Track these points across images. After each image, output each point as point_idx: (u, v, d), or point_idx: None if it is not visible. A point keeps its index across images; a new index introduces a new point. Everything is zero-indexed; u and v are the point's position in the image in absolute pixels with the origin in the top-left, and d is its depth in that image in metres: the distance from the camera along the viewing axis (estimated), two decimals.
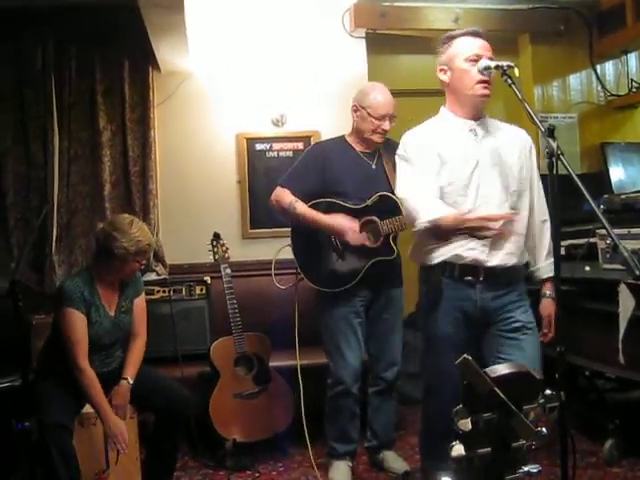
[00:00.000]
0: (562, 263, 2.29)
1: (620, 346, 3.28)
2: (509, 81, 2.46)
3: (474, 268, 2.66)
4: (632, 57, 5.70)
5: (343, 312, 3.57)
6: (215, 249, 4.06)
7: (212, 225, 4.30)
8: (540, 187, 2.80)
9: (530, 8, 5.34)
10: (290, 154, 5.05)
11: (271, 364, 4.06)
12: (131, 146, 4.79)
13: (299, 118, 5.08)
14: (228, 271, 4.01)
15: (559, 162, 2.18)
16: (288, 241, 3.72)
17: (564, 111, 5.58)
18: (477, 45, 2.68)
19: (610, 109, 5.70)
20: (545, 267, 2.80)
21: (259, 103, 5.03)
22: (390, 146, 3.71)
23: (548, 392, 1.45)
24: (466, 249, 2.64)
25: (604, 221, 2.11)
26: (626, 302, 3.25)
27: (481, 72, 2.61)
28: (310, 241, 3.57)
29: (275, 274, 3.81)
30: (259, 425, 3.95)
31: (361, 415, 3.71)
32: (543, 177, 2.43)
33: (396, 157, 2.82)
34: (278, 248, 3.81)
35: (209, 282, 4.56)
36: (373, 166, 3.64)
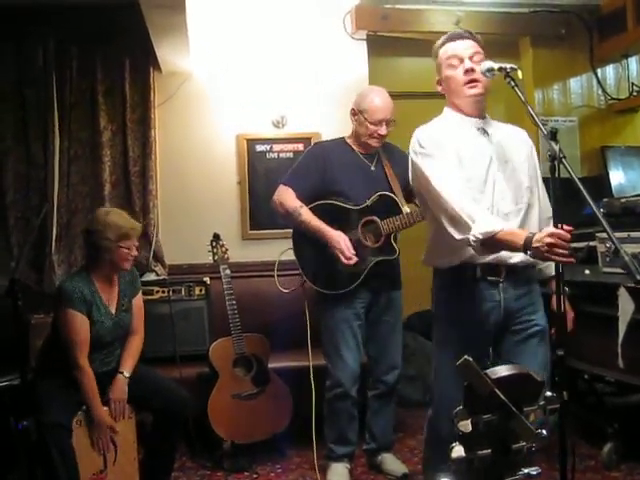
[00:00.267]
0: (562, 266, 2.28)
1: (619, 350, 3.28)
2: (512, 83, 2.44)
3: (496, 267, 2.59)
4: (633, 61, 5.71)
5: (344, 314, 3.56)
6: (215, 250, 4.06)
7: (212, 226, 4.30)
8: (543, 185, 2.78)
9: (531, 11, 5.35)
10: (290, 155, 5.05)
11: (270, 365, 4.05)
12: (131, 146, 4.79)
13: (299, 119, 5.09)
14: (227, 272, 4.00)
15: (561, 165, 2.18)
16: (287, 242, 3.71)
17: (564, 114, 5.58)
18: (454, 48, 2.67)
19: (610, 113, 5.70)
20: (552, 264, 2.76)
21: (260, 104, 5.03)
22: (389, 149, 3.73)
23: (548, 394, 1.45)
24: None
25: (605, 224, 2.10)
26: (626, 306, 3.25)
27: (467, 72, 2.61)
28: (312, 243, 3.55)
29: (277, 276, 3.81)
30: (257, 426, 3.95)
31: (360, 418, 3.71)
32: (545, 180, 2.41)
33: (411, 154, 2.67)
34: (277, 249, 3.82)
35: (208, 283, 4.55)
36: (372, 168, 3.65)
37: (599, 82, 5.66)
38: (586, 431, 3.88)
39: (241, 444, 3.93)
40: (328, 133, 4.68)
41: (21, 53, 4.64)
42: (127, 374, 3.30)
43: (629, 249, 3.33)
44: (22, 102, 4.67)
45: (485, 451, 1.37)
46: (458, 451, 1.35)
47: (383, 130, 3.56)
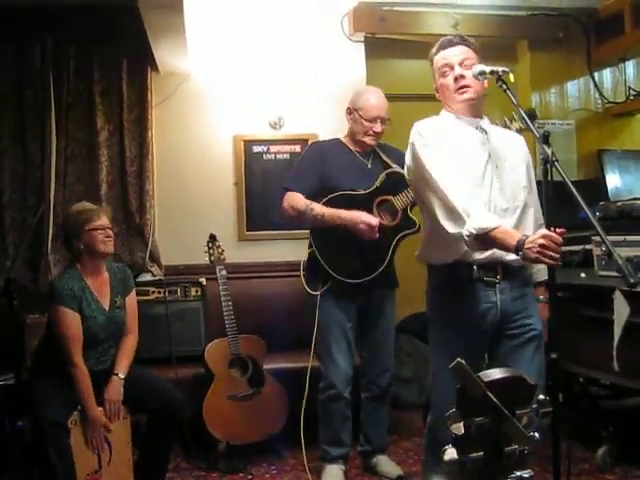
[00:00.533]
0: (558, 270, 2.28)
1: (614, 353, 3.28)
2: (504, 86, 2.46)
3: (492, 266, 2.59)
4: (630, 65, 5.72)
5: (336, 316, 3.56)
6: (211, 250, 4.06)
7: (208, 226, 4.30)
8: (536, 192, 2.79)
9: (529, 15, 5.36)
10: (287, 157, 5.05)
11: (265, 367, 4.05)
12: (128, 146, 4.79)
13: (297, 121, 5.09)
14: (224, 273, 4.00)
15: (554, 168, 2.18)
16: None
17: (561, 118, 5.59)
18: (445, 56, 2.70)
19: (607, 116, 5.71)
20: (543, 269, 2.75)
21: (257, 105, 5.03)
22: (386, 148, 3.74)
23: (541, 397, 1.45)
24: None
25: (599, 228, 2.11)
26: (621, 309, 3.25)
27: (457, 79, 2.63)
28: (331, 237, 3.53)
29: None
30: (253, 427, 3.94)
31: (354, 419, 3.71)
32: (538, 183, 2.42)
33: (410, 146, 2.67)
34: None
35: (204, 283, 4.54)
36: (369, 165, 3.67)
37: (596, 85, 5.67)
38: (581, 434, 3.88)
39: (236, 445, 3.92)
40: (325, 134, 4.66)
41: (19, 53, 4.64)
42: (122, 375, 3.30)
43: (625, 253, 3.34)
44: (19, 102, 4.66)
45: (478, 454, 1.37)
46: (451, 453, 1.35)
47: (378, 127, 3.59)
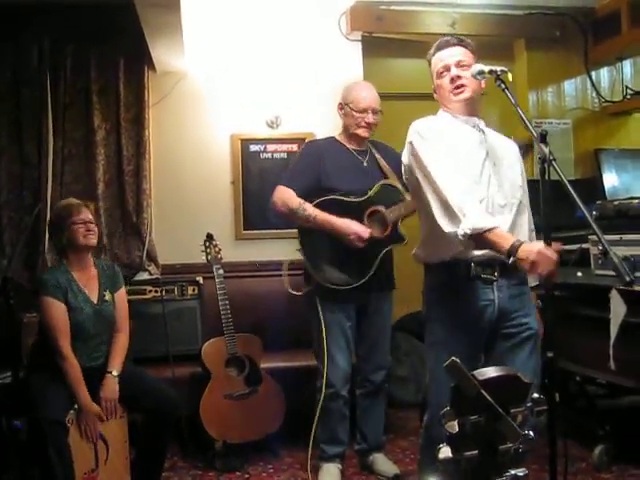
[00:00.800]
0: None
1: (611, 352, 3.28)
2: (502, 86, 2.46)
3: (490, 263, 2.56)
4: (627, 64, 5.73)
5: (335, 315, 3.57)
6: (208, 250, 4.06)
7: (205, 225, 4.31)
8: (528, 198, 2.79)
9: (526, 14, 5.36)
10: (284, 156, 5.05)
11: (262, 365, 4.05)
12: (125, 145, 4.78)
13: (294, 120, 5.09)
14: (220, 272, 4.01)
15: (552, 167, 2.19)
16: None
17: (558, 117, 5.60)
18: (441, 57, 2.72)
19: (604, 115, 5.72)
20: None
21: (254, 104, 5.02)
22: (381, 147, 3.75)
23: (536, 395, 1.45)
24: None
25: (595, 227, 2.11)
26: (617, 308, 3.26)
27: (453, 80, 2.65)
28: (320, 239, 3.53)
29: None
30: (249, 426, 3.95)
31: (350, 417, 3.71)
32: (535, 182, 2.42)
33: (408, 144, 2.66)
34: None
35: (201, 282, 4.55)
36: (365, 163, 3.67)
37: (593, 85, 5.68)
38: (577, 433, 3.88)
39: (233, 444, 3.92)
40: (322, 134, 4.64)
41: (16, 52, 4.63)
42: (115, 373, 3.31)
43: (622, 252, 3.35)
44: (16, 101, 4.66)
45: (472, 452, 1.37)
46: (445, 452, 1.35)
47: (370, 118, 3.60)
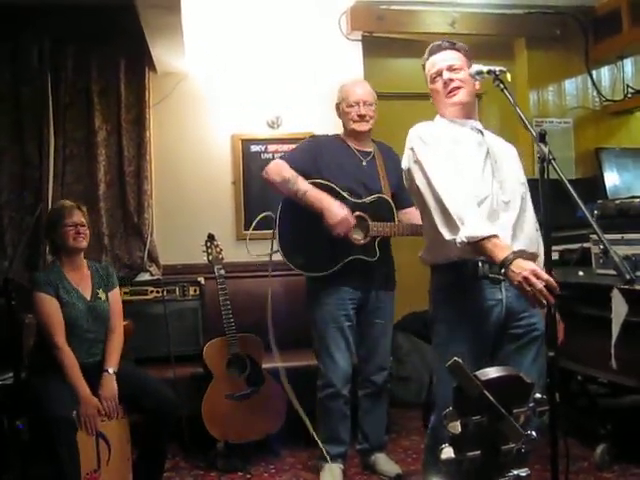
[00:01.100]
0: (556, 268, 2.29)
1: (613, 351, 3.28)
2: (501, 86, 2.46)
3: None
4: (628, 62, 5.73)
5: (334, 315, 3.57)
6: (209, 250, 4.05)
7: (206, 226, 4.31)
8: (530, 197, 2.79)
9: (526, 13, 5.36)
10: None
11: (264, 366, 4.05)
12: (126, 146, 4.79)
13: (294, 120, 5.09)
14: (222, 272, 4.00)
15: (552, 167, 2.19)
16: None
17: (559, 116, 5.60)
18: (434, 62, 2.74)
19: (605, 114, 5.72)
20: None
21: (255, 104, 5.03)
22: (385, 150, 3.75)
23: (538, 396, 1.45)
24: None
25: (595, 226, 2.11)
26: (619, 307, 3.25)
27: (446, 84, 2.67)
28: (299, 218, 3.53)
29: (273, 275, 3.81)
30: (251, 426, 3.95)
31: (352, 417, 3.71)
32: (535, 181, 2.42)
33: (409, 149, 2.66)
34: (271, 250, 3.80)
35: (203, 283, 4.56)
36: (364, 163, 3.68)
37: (594, 84, 5.68)
38: (579, 432, 3.88)
39: (235, 444, 3.92)
40: (323, 133, 4.66)
41: (16, 53, 4.64)
42: (112, 370, 3.33)
43: (623, 251, 3.35)
44: (17, 102, 4.66)
45: (475, 452, 1.37)
46: (447, 452, 1.35)
47: (362, 110, 3.60)
